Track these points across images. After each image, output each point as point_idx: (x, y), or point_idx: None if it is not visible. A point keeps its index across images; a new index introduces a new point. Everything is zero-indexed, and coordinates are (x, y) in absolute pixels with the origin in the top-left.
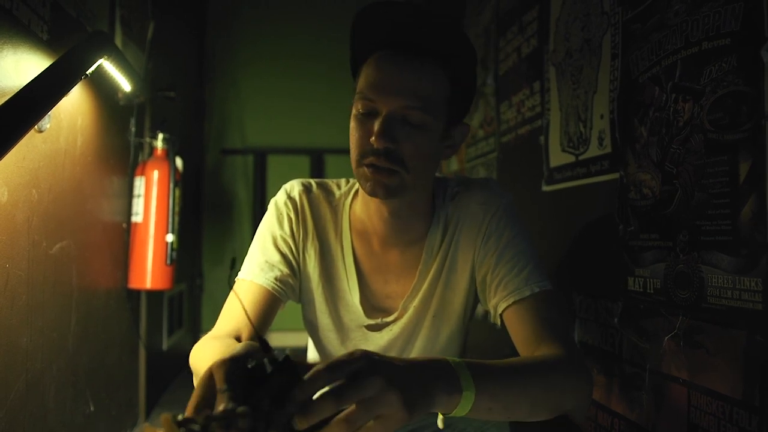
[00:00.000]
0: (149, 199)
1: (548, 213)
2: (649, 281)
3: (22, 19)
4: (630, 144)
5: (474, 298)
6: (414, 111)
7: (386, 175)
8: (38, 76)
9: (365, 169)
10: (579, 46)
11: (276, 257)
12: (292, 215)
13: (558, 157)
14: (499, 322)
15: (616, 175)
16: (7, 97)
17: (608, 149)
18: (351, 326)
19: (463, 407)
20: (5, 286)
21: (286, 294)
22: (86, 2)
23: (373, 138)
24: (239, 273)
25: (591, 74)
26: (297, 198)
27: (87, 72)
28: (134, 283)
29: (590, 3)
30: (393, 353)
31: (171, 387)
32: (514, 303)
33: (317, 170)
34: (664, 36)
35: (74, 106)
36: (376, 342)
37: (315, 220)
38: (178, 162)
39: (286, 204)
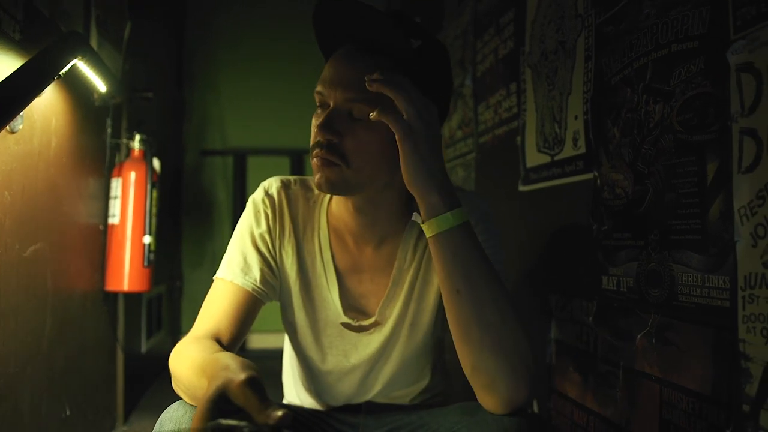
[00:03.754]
0: (126, 201)
1: (525, 213)
2: (622, 280)
3: None
4: (603, 144)
5: None
6: (358, 104)
7: (328, 167)
8: (9, 76)
9: (314, 161)
10: (554, 48)
11: (255, 256)
12: (269, 212)
13: (534, 158)
14: None
15: (590, 176)
16: None
17: (582, 150)
18: (327, 323)
19: (443, 223)
20: None
21: (267, 295)
22: (61, 2)
23: (316, 130)
24: (218, 271)
25: (565, 76)
26: (275, 195)
27: (60, 72)
28: (111, 286)
29: (565, 5)
30: (367, 360)
31: (150, 390)
32: None
33: (297, 171)
34: (635, 38)
35: (48, 107)
36: (351, 341)
37: (293, 216)
38: (156, 163)
39: (263, 201)
